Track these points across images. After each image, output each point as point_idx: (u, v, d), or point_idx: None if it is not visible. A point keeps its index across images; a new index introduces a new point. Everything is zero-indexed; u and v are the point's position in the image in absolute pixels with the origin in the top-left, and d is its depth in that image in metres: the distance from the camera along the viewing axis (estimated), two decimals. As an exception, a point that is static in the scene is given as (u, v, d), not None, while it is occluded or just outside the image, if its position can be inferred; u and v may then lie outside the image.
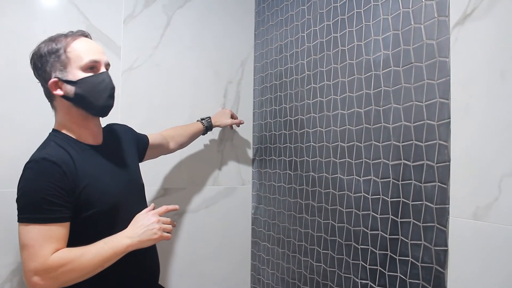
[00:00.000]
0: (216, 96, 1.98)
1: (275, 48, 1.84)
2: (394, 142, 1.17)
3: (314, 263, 1.53)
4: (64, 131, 1.23)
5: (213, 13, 1.96)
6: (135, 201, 1.32)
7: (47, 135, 1.24)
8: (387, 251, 1.19)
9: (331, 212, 1.44)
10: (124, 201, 1.24)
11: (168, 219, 1.21)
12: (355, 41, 1.33)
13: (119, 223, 1.20)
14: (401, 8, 1.16)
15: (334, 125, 1.43)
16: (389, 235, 1.18)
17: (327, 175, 1.46)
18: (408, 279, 1.11)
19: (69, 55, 1.17)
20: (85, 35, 1.23)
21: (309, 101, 1.57)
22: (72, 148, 1.19)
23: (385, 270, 1.19)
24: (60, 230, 1.11)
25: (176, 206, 1.26)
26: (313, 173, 1.54)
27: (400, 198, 1.14)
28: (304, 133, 1.60)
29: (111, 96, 1.23)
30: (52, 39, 1.19)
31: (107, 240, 1.13)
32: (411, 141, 1.11)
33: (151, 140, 1.57)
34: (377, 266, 1.23)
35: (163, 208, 1.23)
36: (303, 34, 1.62)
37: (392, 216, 1.17)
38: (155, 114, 1.84)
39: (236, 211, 2.02)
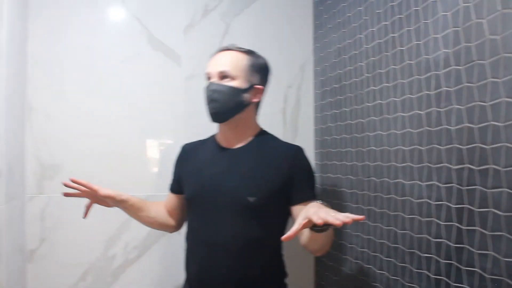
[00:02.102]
0: (276, 101, 1.99)
1: (334, 51, 1.81)
2: (457, 145, 1.10)
3: (377, 271, 1.48)
4: (216, 132, 1.52)
5: (270, 19, 1.98)
6: (217, 206, 1.36)
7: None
8: (452, 260, 1.12)
9: (393, 219, 1.39)
10: (202, 200, 1.40)
11: None
12: (414, 40, 1.27)
13: (194, 215, 1.44)
14: (461, 3, 1.09)
15: (394, 129, 1.37)
16: (453, 244, 1.12)
17: (389, 180, 1.41)
18: (475, 291, 1.04)
19: None
20: (225, 49, 1.42)
21: (368, 104, 1.53)
22: (207, 144, 1.51)
23: (451, 281, 1.12)
24: (169, 197, 1.58)
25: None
26: (374, 178, 1.49)
27: (464, 204, 1.08)
28: (365, 137, 1.56)
29: (210, 104, 1.39)
30: None
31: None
32: (475, 144, 1.04)
33: (300, 209, 1.27)
34: (442, 276, 1.16)
35: None
36: (361, 36, 1.58)
37: (456, 224, 1.10)
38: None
39: (299, 216, 2.01)
